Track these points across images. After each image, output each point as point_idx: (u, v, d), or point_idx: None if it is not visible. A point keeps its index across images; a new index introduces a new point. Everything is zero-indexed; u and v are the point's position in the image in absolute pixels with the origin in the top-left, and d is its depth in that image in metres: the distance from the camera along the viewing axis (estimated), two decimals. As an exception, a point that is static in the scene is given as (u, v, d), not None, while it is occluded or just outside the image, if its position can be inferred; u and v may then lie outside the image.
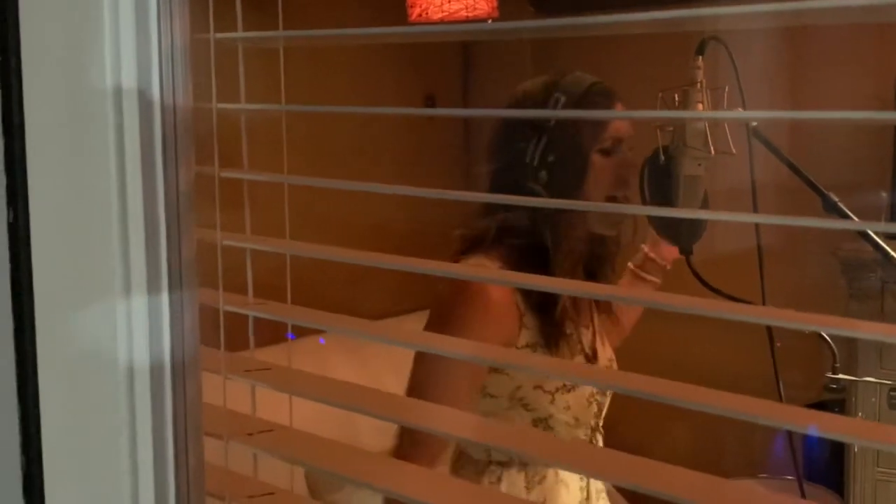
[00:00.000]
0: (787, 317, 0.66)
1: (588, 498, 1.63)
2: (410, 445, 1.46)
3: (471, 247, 1.59)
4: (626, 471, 0.65)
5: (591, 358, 1.64)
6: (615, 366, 1.72)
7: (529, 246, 1.55)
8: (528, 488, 1.57)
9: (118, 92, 0.70)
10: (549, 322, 1.55)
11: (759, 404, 0.63)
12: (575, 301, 1.60)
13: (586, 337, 1.65)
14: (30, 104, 0.76)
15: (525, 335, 1.53)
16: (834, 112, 0.68)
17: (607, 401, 1.68)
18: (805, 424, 0.61)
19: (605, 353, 1.70)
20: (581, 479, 1.63)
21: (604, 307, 1.73)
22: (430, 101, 3.48)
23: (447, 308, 1.53)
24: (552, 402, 1.55)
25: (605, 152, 1.55)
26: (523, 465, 1.58)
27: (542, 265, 1.54)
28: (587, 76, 1.59)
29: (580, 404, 1.58)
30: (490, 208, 1.61)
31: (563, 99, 1.55)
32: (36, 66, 0.75)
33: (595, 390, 1.62)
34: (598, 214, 1.59)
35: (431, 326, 1.53)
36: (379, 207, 3.03)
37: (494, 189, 1.62)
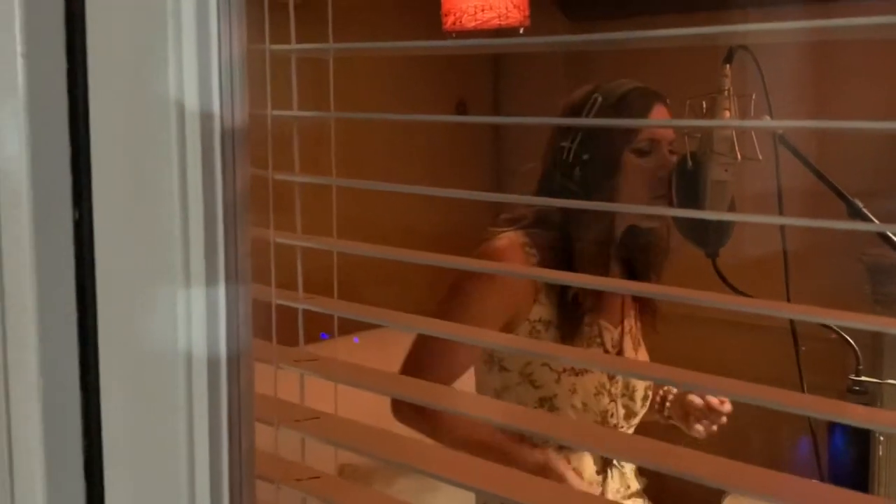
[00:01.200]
0: (813, 312, 0.70)
1: (604, 493, 1.66)
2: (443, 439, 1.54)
3: (507, 226, 1.67)
4: (648, 453, 0.69)
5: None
6: (650, 381, 1.74)
7: (558, 233, 1.62)
8: None
9: (180, 98, 0.75)
10: (565, 304, 1.61)
11: (787, 395, 0.67)
12: (599, 294, 1.65)
13: (610, 333, 1.68)
14: (95, 109, 0.81)
15: (538, 310, 1.59)
16: (857, 122, 0.72)
17: (637, 406, 1.71)
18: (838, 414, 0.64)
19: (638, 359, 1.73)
20: (597, 473, 1.66)
21: (642, 313, 1.77)
22: (462, 107, 3.53)
23: (464, 273, 1.60)
24: (557, 381, 1.60)
25: (641, 152, 1.59)
26: (533, 447, 1.63)
27: (567, 252, 1.60)
28: (631, 81, 1.63)
29: (587, 390, 1.62)
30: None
31: (599, 99, 1.60)
32: (102, 74, 0.80)
33: (609, 384, 1.65)
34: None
35: (449, 289, 1.62)
36: (412, 213, 3.08)
37: (538, 184, 1.68)
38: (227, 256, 0.76)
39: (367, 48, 0.77)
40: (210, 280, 0.76)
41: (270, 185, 0.79)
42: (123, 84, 0.79)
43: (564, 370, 1.61)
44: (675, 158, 1.60)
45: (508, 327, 1.59)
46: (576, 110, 1.62)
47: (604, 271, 1.63)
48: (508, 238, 1.65)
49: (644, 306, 1.77)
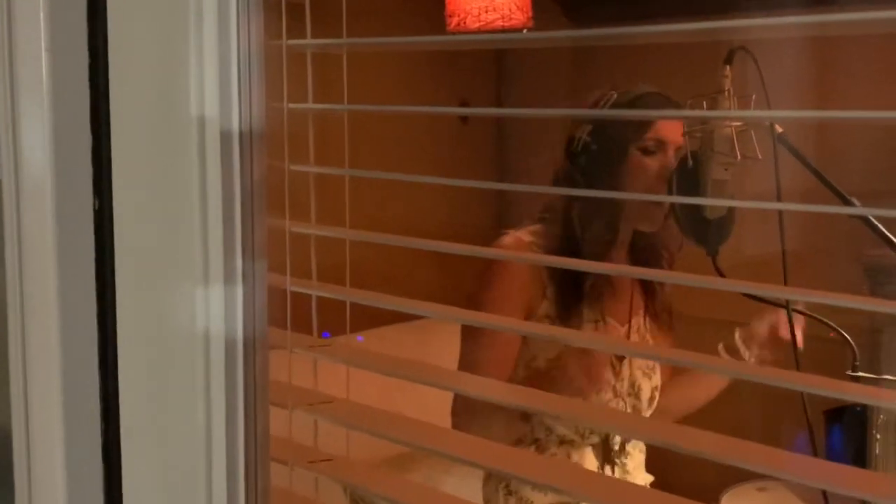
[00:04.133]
0: (811, 294, 0.72)
1: None
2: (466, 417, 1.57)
3: (518, 223, 1.71)
4: (653, 431, 0.71)
5: (617, 356, 1.70)
6: (656, 381, 1.76)
7: (563, 228, 1.65)
8: None
9: (200, 91, 0.77)
10: (567, 297, 1.64)
11: (787, 374, 0.69)
12: (605, 289, 1.67)
13: (617, 331, 1.71)
14: (116, 102, 0.84)
15: (545, 305, 1.62)
16: (853, 112, 0.74)
17: (643, 406, 1.73)
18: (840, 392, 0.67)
19: (645, 361, 1.75)
20: (598, 469, 1.68)
21: (654, 313, 1.79)
22: (463, 116, 3.56)
23: (480, 280, 1.66)
24: None
25: (646, 151, 1.62)
26: (535, 441, 1.66)
27: (572, 247, 1.63)
28: (650, 87, 1.66)
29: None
30: (540, 196, 1.75)
31: (615, 96, 1.63)
32: (124, 68, 0.83)
33: (615, 380, 1.67)
34: (638, 211, 1.66)
35: (472, 298, 1.67)
36: (419, 216, 3.11)
37: (553, 175, 1.72)
38: (244, 244, 0.79)
39: (379, 43, 0.79)
40: (228, 267, 0.78)
41: (287, 175, 0.82)
42: (144, 78, 0.82)
43: None
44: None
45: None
46: (592, 106, 1.65)
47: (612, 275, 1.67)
48: (514, 237, 1.68)
49: (656, 306, 1.79)
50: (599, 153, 1.62)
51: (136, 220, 0.84)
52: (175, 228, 0.80)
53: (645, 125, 1.62)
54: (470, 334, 1.63)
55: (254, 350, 0.80)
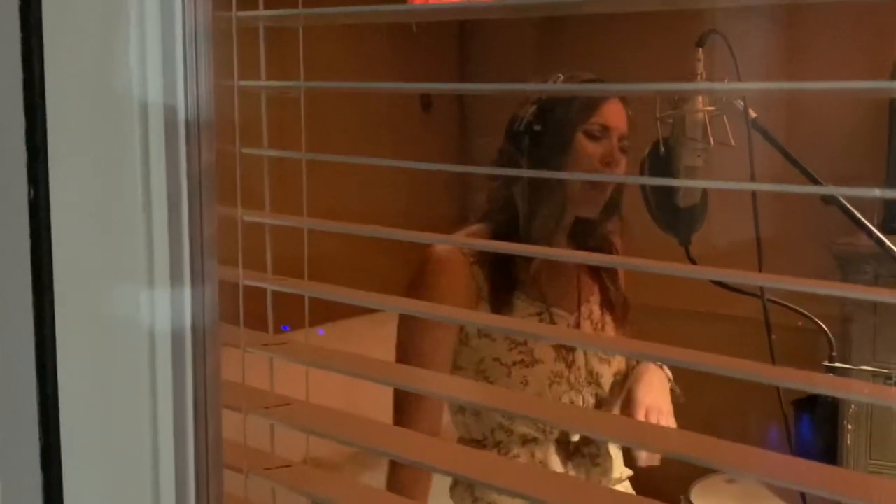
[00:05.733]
0: (786, 281, 0.68)
1: None
2: (411, 417, 1.52)
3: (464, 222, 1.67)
4: (617, 429, 0.66)
5: (567, 346, 1.65)
6: (617, 366, 1.72)
7: (508, 218, 1.61)
8: None
9: (142, 68, 0.71)
10: (502, 293, 1.60)
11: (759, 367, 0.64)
12: (548, 278, 1.63)
13: (565, 320, 1.66)
14: (51, 81, 0.77)
15: (483, 307, 1.58)
16: (824, 83, 0.70)
17: (606, 393, 1.68)
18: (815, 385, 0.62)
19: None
20: (563, 467, 1.64)
21: (610, 306, 1.75)
22: (426, 100, 3.50)
23: (409, 293, 1.60)
24: (508, 375, 1.58)
25: (592, 136, 1.59)
26: (496, 444, 1.61)
27: (514, 236, 1.59)
28: (590, 75, 1.63)
29: (539, 381, 1.60)
30: (486, 183, 1.71)
31: (561, 78, 1.59)
32: (59, 43, 0.76)
33: (568, 371, 1.63)
34: (580, 196, 1.62)
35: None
36: (379, 207, 3.05)
37: (495, 157, 1.68)
38: (192, 235, 0.72)
39: (337, 13, 0.73)
40: (174, 260, 0.72)
41: (238, 160, 0.75)
42: (81, 54, 0.75)
43: (514, 363, 1.58)
44: (624, 156, 1.60)
45: (463, 331, 1.59)
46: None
47: (555, 262, 1.64)
48: (445, 249, 1.63)
49: (611, 297, 1.75)
50: (543, 134, 1.58)
51: (75, 211, 0.77)
52: (117, 219, 0.74)
53: (591, 110, 1.60)
54: (405, 326, 1.59)
55: (204, 350, 0.74)
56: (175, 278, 0.73)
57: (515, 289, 1.61)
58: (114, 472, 0.78)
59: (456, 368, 1.61)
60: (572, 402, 1.63)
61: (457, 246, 1.61)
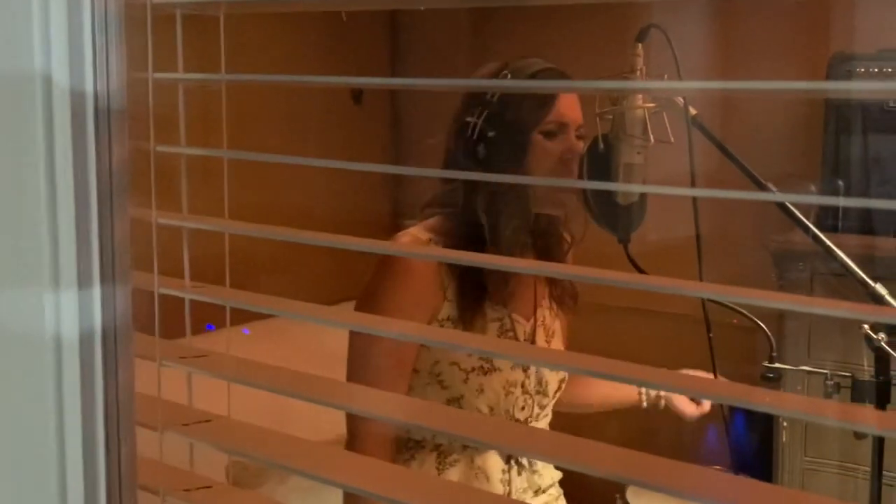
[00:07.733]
0: (723, 291, 0.65)
1: (510, 493, 1.60)
2: (358, 437, 1.48)
3: (413, 212, 1.61)
4: (549, 447, 0.63)
5: None
6: (563, 374, 1.69)
7: (464, 221, 1.55)
8: (440, 470, 1.57)
9: (46, 57, 0.65)
10: (469, 296, 1.55)
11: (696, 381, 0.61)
12: (510, 286, 1.59)
13: (523, 327, 1.63)
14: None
15: (447, 307, 1.53)
16: (762, 83, 0.67)
17: (548, 400, 1.66)
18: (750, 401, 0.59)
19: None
20: (504, 472, 1.61)
21: (561, 304, 1.72)
22: (357, 92, 3.43)
23: (374, 281, 1.54)
24: (465, 381, 1.54)
25: (549, 135, 1.54)
26: (437, 447, 1.58)
27: (477, 241, 1.53)
28: (540, 61, 1.58)
29: (495, 391, 1.56)
30: (434, 185, 1.64)
31: (509, 76, 1.54)
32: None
33: (525, 378, 1.60)
34: (542, 195, 1.58)
35: (362, 299, 1.56)
36: (308, 206, 2.98)
37: (442, 164, 1.62)
38: (101, 239, 0.67)
39: (260, 1, 0.68)
40: (82, 266, 0.67)
41: (153, 158, 0.70)
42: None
43: (473, 369, 1.54)
44: (581, 144, 1.55)
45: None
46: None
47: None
48: (410, 235, 1.57)
49: (561, 293, 1.72)
50: (498, 140, 1.53)
51: (-26, 211, 0.71)
52: (19, 220, 0.68)
53: (545, 107, 1.55)
54: (354, 339, 1.53)
55: (116, 360, 0.69)
56: (83, 285, 0.67)
57: (481, 294, 1.56)
58: (18, 493, 0.73)
59: (412, 371, 1.55)
60: (522, 407, 1.60)
61: (423, 241, 1.55)
